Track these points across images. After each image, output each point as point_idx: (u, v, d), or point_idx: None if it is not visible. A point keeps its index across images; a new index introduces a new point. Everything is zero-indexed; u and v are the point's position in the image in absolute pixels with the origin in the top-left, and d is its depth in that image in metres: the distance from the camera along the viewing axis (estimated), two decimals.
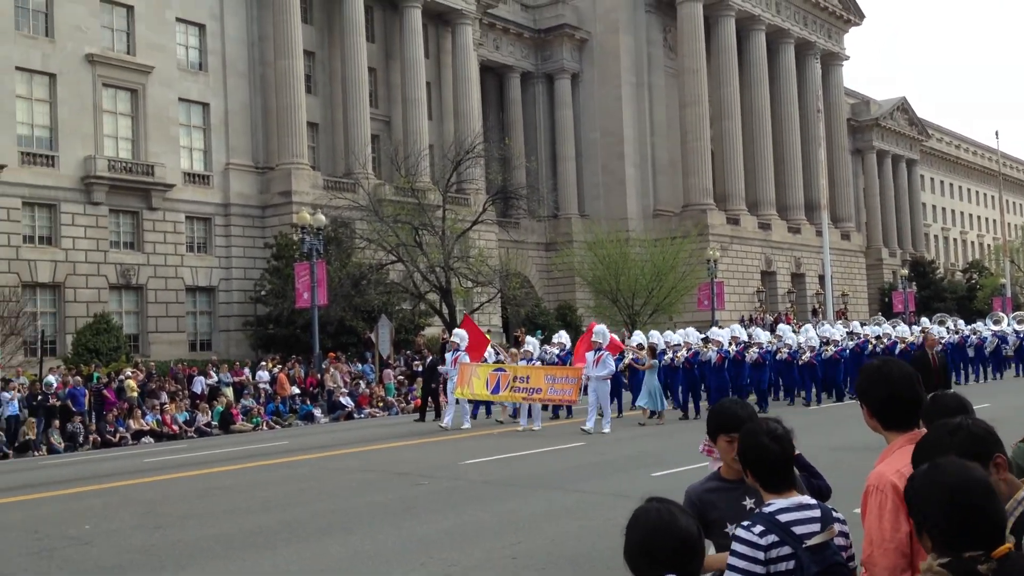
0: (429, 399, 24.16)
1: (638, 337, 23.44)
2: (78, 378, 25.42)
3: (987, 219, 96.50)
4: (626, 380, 23.52)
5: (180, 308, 36.94)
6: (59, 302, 33.76)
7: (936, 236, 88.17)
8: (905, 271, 65.23)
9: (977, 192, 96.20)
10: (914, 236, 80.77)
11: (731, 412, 4.07)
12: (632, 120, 54.81)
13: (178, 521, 10.93)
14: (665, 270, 43.43)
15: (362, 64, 41.99)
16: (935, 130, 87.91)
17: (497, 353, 23.58)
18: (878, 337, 27.29)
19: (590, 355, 20.03)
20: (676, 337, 23.23)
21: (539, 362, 21.53)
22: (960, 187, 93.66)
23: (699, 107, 54.21)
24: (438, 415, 22.76)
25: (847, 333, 27.04)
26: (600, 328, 20.59)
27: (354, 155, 39.95)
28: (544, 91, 55.76)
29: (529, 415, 20.24)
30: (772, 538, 3.15)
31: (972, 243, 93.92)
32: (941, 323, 33.23)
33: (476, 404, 22.42)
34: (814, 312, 56.11)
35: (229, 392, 28.30)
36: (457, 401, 20.93)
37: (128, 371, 27.13)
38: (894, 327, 30.89)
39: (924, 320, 34.06)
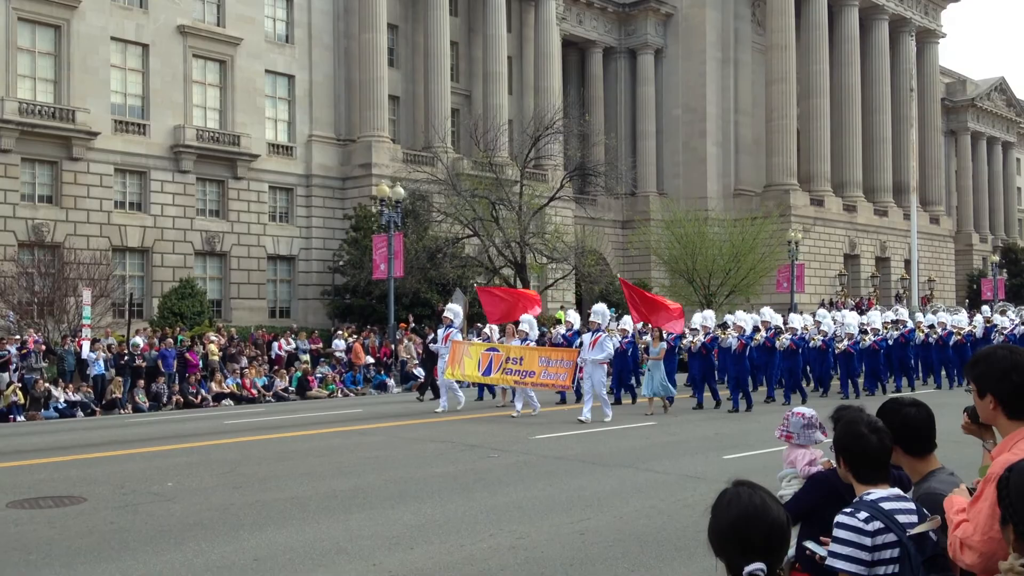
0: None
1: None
2: (169, 340, 26.29)
3: None
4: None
5: (261, 276, 37.84)
6: (147, 266, 34.91)
7: None
8: (996, 258, 62.81)
9: None
10: (1007, 221, 77.76)
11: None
12: (716, 97, 53.79)
13: (257, 482, 11.24)
14: (744, 251, 42.64)
15: (444, 38, 42.08)
16: None
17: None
18: (931, 326, 25.86)
19: (587, 337, 18.53)
20: (696, 320, 21.69)
21: (534, 343, 19.82)
22: None
23: (786, 84, 52.87)
24: (436, 395, 21.57)
25: (893, 322, 25.47)
26: (600, 307, 19.10)
27: (434, 129, 40.18)
28: (626, 67, 55.07)
29: (513, 396, 18.94)
30: (877, 524, 3.13)
31: None
32: (1002, 312, 31.55)
33: (481, 385, 21.24)
34: (898, 297, 54.57)
35: (306, 359, 28.94)
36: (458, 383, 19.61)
37: (211, 335, 27.95)
38: (954, 314, 29.42)
39: (985, 309, 32.39)
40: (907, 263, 55.51)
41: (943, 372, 25.94)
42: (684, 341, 20.86)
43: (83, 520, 9.19)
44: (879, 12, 58.89)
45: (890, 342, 23.89)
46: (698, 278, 42.85)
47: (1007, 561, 2.38)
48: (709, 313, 22.27)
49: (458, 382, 20.01)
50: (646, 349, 19.72)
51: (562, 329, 22.36)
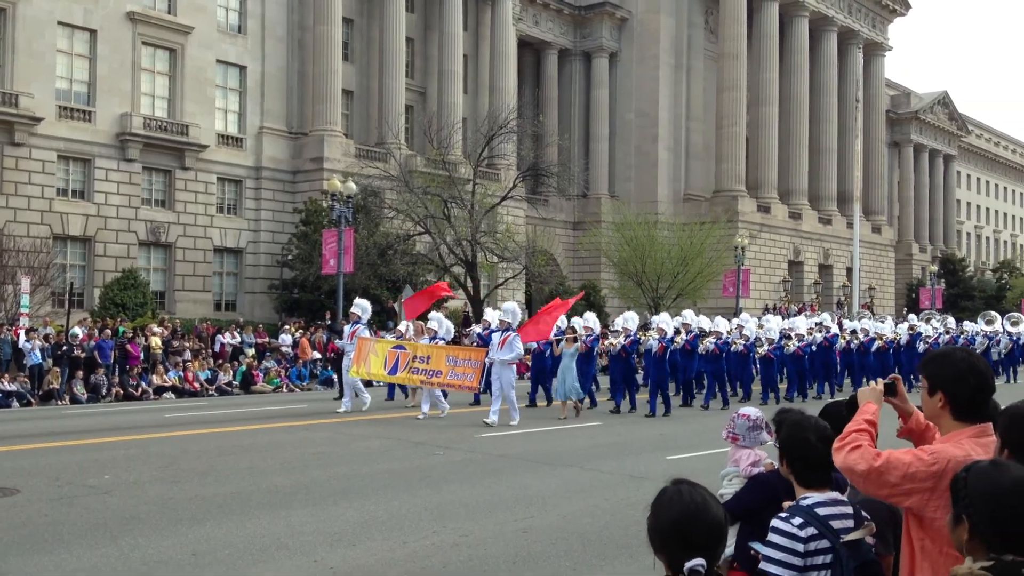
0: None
1: (584, 321, 20.55)
2: (108, 331, 25.74)
3: (1022, 219, 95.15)
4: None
5: (207, 268, 37.25)
6: (89, 256, 34.14)
7: (969, 233, 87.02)
8: (935, 267, 64.47)
9: (1014, 191, 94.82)
10: (946, 232, 79.76)
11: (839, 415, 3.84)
12: (668, 102, 54.33)
13: (196, 477, 11.07)
14: (692, 255, 43.17)
15: (400, 34, 41.87)
16: (975, 126, 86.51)
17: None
18: (853, 332, 26.10)
19: (496, 336, 17.71)
20: (617, 323, 21.06)
21: (442, 341, 18.88)
22: (997, 185, 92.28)
23: (737, 92, 53.63)
24: (342, 394, 20.49)
25: (816, 324, 25.65)
26: (510, 305, 18.26)
27: (387, 124, 39.93)
28: (581, 69, 55.35)
29: (408, 394, 18.33)
30: (811, 531, 3.15)
31: (1005, 242, 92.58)
32: (927, 320, 32.30)
33: (391, 385, 20.54)
34: (839, 304, 55.68)
35: (251, 353, 28.57)
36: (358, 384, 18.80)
37: (154, 327, 27.44)
38: (881, 321, 29.94)
39: (912, 317, 33.14)
40: (849, 271, 56.73)
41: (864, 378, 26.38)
42: (604, 343, 20.45)
43: (16, 512, 8.96)
44: (828, 23, 60.01)
45: (814, 347, 23.89)
46: (647, 281, 43.26)
47: (964, 566, 2.39)
48: (631, 315, 21.50)
49: (365, 382, 19.32)
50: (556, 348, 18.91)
51: (478, 328, 21.29)
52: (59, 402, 22.72)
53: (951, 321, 32.80)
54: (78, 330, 25.08)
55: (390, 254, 33.54)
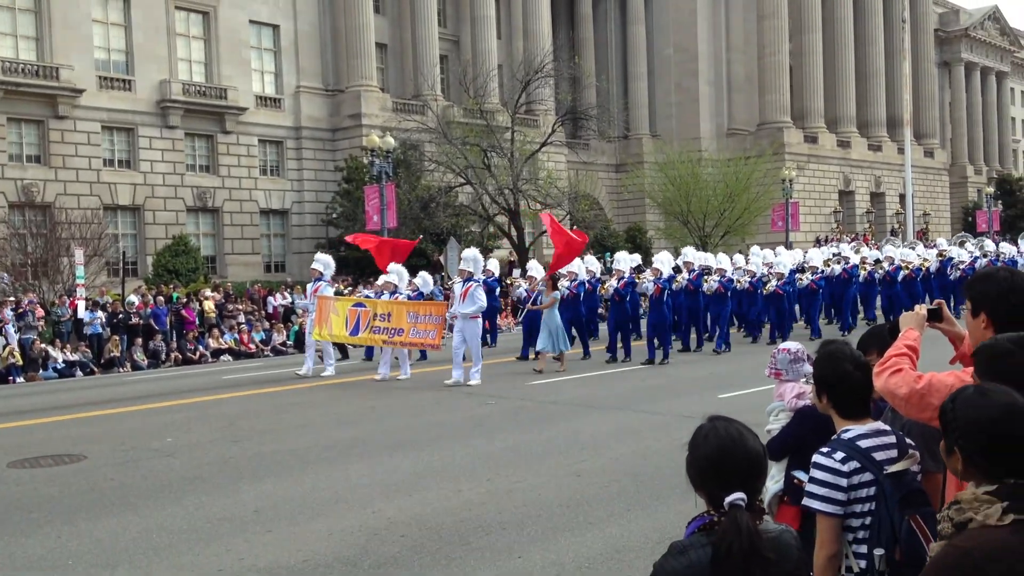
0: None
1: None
2: (160, 298, 26.26)
3: None
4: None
5: (255, 231, 37.70)
6: (139, 224, 34.74)
7: None
8: (991, 189, 62.65)
9: None
10: (1001, 152, 77.47)
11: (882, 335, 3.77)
12: (707, 35, 53.13)
13: (255, 435, 11.30)
14: (738, 191, 42.51)
15: None
16: None
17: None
18: (877, 261, 23.85)
19: (457, 288, 16.48)
20: (614, 264, 19.70)
21: (404, 296, 17.66)
22: None
23: (778, 19, 52.23)
24: (345, 354, 19.77)
25: (833, 255, 23.97)
26: (470, 253, 16.59)
27: (422, 76, 39.69)
28: (616, 6, 54.28)
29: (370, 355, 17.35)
30: (854, 464, 3.11)
31: None
32: (961, 244, 30.91)
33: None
34: (893, 232, 54.56)
35: (302, 312, 28.96)
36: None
37: (207, 291, 27.92)
38: (912, 248, 28.20)
39: (941, 241, 31.59)
40: (902, 197, 55.44)
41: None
42: (601, 287, 19.38)
43: (83, 477, 9.25)
44: None
45: (834, 280, 22.33)
46: (693, 220, 42.78)
47: (966, 492, 2.33)
48: (623, 255, 20.12)
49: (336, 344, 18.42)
50: (535, 299, 17.65)
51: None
52: (120, 369, 23.30)
53: (989, 244, 31.04)
54: (134, 298, 25.61)
55: (433, 207, 33.57)
